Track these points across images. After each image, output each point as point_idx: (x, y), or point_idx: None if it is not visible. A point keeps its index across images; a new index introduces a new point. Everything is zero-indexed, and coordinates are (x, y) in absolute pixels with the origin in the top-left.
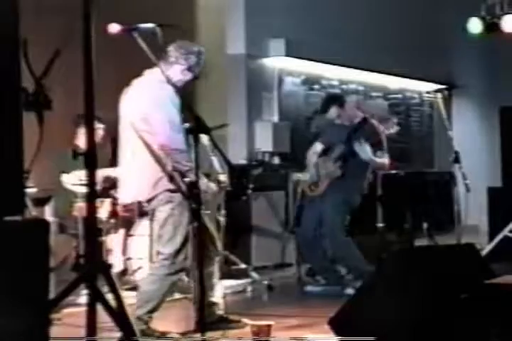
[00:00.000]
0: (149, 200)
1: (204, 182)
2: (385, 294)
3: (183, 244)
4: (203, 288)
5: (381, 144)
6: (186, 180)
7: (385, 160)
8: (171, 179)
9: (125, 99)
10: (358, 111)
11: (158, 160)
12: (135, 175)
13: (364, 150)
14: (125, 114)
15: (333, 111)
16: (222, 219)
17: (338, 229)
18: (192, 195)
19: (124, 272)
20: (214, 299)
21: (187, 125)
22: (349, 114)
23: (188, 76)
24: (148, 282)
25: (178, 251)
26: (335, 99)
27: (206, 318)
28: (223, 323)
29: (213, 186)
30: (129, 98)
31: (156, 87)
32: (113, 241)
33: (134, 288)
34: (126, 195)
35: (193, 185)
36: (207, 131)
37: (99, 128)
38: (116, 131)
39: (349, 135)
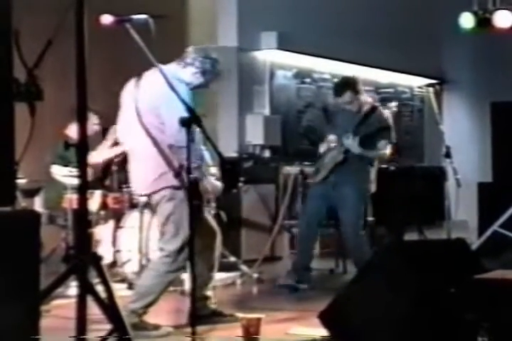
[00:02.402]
0: (152, 194)
1: (209, 181)
2: (375, 288)
3: (185, 243)
4: (195, 281)
5: (388, 134)
6: (191, 176)
7: (380, 152)
8: (177, 175)
9: (134, 91)
10: (368, 99)
11: (164, 155)
12: (141, 168)
13: (354, 145)
14: (132, 106)
15: (347, 96)
16: (222, 214)
17: (359, 222)
18: (195, 191)
19: (113, 264)
20: (208, 293)
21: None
22: (361, 100)
23: (199, 81)
24: (148, 277)
25: (180, 250)
26: (350, 84)
27: (199, 311)
28: (216, 317)
29: (219, 184)
30: (140, 90)
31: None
32: (102, 232)
33: (123, 281)
34: (134, 186)
35: (197, 182)
36: (199, 122)
37: (95, 123)
38: (107, 123)
39: (358, 124)
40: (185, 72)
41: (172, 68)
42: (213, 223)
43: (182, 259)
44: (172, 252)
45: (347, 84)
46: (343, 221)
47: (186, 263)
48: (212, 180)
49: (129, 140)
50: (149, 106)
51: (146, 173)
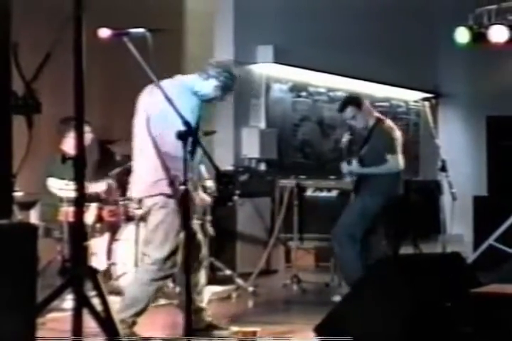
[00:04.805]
0: (145, 198)
1: (199, 194)
2: (371, 302)
3: (173, 252)
4: (190, 294)
5: (393, 147)
6: (182, 187)
7: (388, 166)
8: (171, 183)
9: (147, 97)
10: (373, 112)
11: (163, 161)
12: (140, 172)
13: (354, 168)
14: (143, 109)
15: (349, 111)
16: (209, 228)
17: (344, 231)
18: (184, 203)
19: (108, 277)
20: (202, 305)
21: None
22: (365, 114)
23: (216, 94)
24: (133, 286)
25: (166, 258)
26: (352, 99)
27: (194, 325)
28: (211, 330)
29: (207, 198)
30: (152, 97)
31: (183, 95)
32: (97, 245)
33: (119, 293)
34: (133, 189)
35: (187, 194)
36: (196, 136)
37: (87, 132)
38: (104, 135)
39: (364, 140)
40: (205, 84)
41: (190, 79)
42: (199, 235)
43: (168, 268)
44: (158, 260)
45: (349, 100)
46: (335, 228)
47: (172, 272)
48: (201, 194)
49: (137, 142)
50: (155, 113)
51: (144, 176)
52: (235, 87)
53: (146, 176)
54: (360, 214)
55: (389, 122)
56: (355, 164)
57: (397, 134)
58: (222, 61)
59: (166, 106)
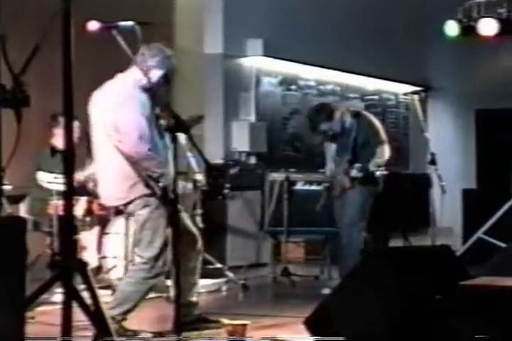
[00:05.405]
0: (126, 204)
1: (180, 184)
2: (361, 294)
3: (163, 249)
4: (180, 287)
5: (378, 138)
6: (160, 185)
7: (378, 160)
8: (147, 184)
9: (97, 103)
10: (345, 109)
11: (132, 165)
12: (111, 180)
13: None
14: (97, 118)
15: (323, 126)
16: (198, 219)
17: (355, 222)
18: (167, 199)
19: (98, 270)
20: (193, 299)
21: (163, 122)
22: (339, 116)
23: (164, 81)
24: (126, 284)
25: (157, 256)
26: (319, 113)
27: (184, 318)
28: (201, 323)
29: (189, 186)
30: (101, 103)
31: (128, 94)
32: (87, 238)
33: (109, 287)
34: (105, 198)
35: (167, 190)
36: (185, 129)
37: (76, 127)
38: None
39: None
40: (150, 77)
41: (133, 76)
42: (193, 228)
43: (160, 266)
44: (149, 259)
45: (317, 115)
46: (342, 221)
47: (165, 270)
48: (181, 182)
49: (98, 153)
50: (110, 120)
51: (116, 185)
52: (176, 66)
53: (119, 183)
54: (363, 207)
55: (366, 114)
56: (357, 166)
57: (378, 124)
58: (150, 47)
59: (119, 110)
